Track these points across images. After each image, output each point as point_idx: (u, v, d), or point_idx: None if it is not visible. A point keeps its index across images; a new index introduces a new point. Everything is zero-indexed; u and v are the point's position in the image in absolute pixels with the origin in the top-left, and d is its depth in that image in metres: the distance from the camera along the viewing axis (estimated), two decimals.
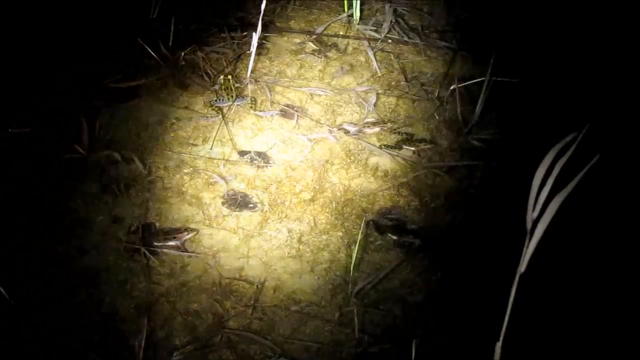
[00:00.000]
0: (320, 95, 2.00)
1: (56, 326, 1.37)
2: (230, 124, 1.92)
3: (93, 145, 1.77)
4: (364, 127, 1.85)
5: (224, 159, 1.82)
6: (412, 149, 1.82)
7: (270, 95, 2.00)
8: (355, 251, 1.50)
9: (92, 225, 1.60)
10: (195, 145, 1.85)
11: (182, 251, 1.57)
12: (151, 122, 1.89)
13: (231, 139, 1.87)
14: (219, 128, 1.88)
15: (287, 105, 1.98)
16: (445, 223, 1.64)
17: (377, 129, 1.85)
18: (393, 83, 2.04)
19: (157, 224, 1.62)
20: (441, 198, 1.70)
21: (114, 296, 1.46)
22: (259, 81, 2.05)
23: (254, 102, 1.97)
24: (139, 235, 1.58)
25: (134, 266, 1.53)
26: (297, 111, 1.96)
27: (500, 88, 1.94)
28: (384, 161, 1.80)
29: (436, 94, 1.98)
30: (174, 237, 1.57)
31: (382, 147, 1.84)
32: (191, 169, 1.78)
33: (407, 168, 1.79)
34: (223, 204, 1.69)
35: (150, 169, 1.75)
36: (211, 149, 1.84)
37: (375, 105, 1.98)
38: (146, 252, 1.55)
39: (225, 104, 1.94)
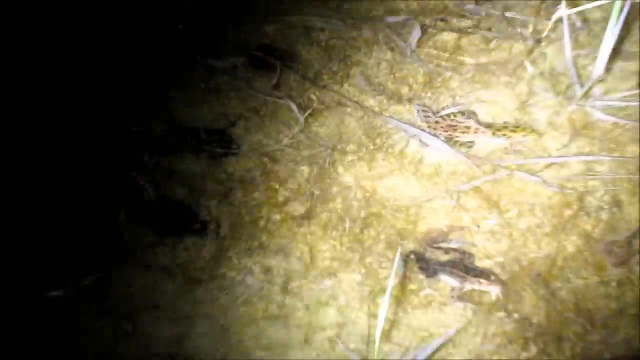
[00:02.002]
0: (322, 30, 2.01)
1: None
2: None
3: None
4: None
5: (149, 141, 1.85)
6: (484, 129, 1.77)
7: (234, 33, 2.04)
8: (385, 307, 1.43)
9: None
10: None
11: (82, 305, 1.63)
12: None
13: (168, 108, 1.90)
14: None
15: (262, 47, 1.99)
16: (544, 257, 1.60)
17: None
18: (451, 8, 2.04)
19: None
20: (536, 214, 1.66)
21: None
22: None
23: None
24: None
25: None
26: (279, 58, 1.96)
27: None
28: (434, 150, 1.78)
29: (529, 29, 1.96)
30: (72, 283, 1.65)
31: (429, 127, 1.81)
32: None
33: (475, 162, 1.75)
34: (149, 224, 1.71)
35: None
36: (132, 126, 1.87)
37: (417, 46, 1.95)
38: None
39: None
